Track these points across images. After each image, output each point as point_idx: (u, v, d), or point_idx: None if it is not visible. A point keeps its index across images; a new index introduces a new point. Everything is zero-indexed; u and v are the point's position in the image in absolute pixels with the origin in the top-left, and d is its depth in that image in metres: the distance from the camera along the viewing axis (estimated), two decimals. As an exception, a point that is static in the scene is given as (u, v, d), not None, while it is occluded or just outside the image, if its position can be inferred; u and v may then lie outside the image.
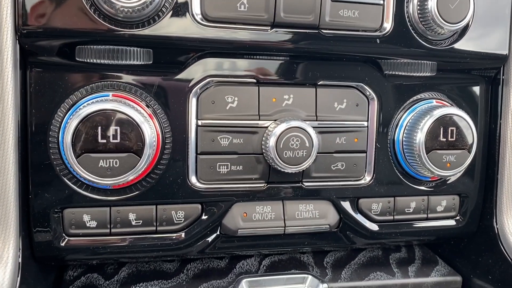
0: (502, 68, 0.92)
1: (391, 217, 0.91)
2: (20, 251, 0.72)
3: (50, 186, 0.75)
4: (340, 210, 0.88)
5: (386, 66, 0.86)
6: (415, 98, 0.89)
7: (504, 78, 0.92)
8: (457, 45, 0.85)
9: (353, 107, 0.86)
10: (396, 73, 0.86)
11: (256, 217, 0.85)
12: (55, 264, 0.87)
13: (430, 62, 0.87)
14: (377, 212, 0.91)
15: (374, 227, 0.91)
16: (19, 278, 0.71)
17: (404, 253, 1.04)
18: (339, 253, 1.01)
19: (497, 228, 0.93)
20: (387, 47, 0.82)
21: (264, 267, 0.94)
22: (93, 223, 0.78)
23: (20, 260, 0.72)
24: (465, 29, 0.85)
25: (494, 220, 0.94)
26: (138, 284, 0.85)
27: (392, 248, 1.05)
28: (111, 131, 0.72)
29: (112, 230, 0.79)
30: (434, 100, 0.89)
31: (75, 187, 0.76)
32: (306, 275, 0.91)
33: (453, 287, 0.98)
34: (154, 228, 0.81)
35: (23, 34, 0.69)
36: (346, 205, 0.89)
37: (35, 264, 0.78)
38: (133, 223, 0.80)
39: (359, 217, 0.90)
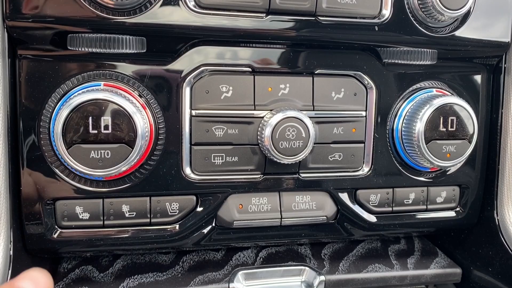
0: (504, 56, 0.90)
1: (390, 209, 0.90)
2: (11, 243, 0.71)
3: (41, 177, 0.74)
4: (337, 201, 0.87)
5: (385, 55, 0.84)
6: (414, 87, 0.87)
7: (506, 66, 0.90)
8: (458, 33, 0.83)
9: (351, 97, 0.84)
10: (395, 61, 0.84)
11: (252, 209, 0.83)
12: (48, 257, 0.86)
13: (430, 50, 0.85)
14: (376, 203, 0.89)
15: (372, 218, 0.89)
16: (10, 271, 0.70)
17: (403, 244, 1.03)
18: (337, 245, 0.99)
19: (497, 219, 0.92)
20: (386, 34, 0.80)
21: (261, 259, 0.93)
22: (86, 215, 0.77)
23: (11, 252, 0.71)
24: (466, 16, 0.83)
25: (495, 211, 0.92)
26: (132, 277, 0.84)
27: (391, 239, 1.04)
28: (102, 122, 0.70)
29: (105, 222, 0.77)
30: (434, 89, 0.87)
31: (67, 179, 0.75)
32: (303, 267, 0.90)
33: (452, 279, 0.97)
34: (148, 220, 0.79)
35: (11, 23, 0.67)
36: (344, 196, 0.87)
37: (27, 256, 0.77)
38: (127, 215, 0.78)
39: (357, 209, 0.88)
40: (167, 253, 0.92)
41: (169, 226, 0.81)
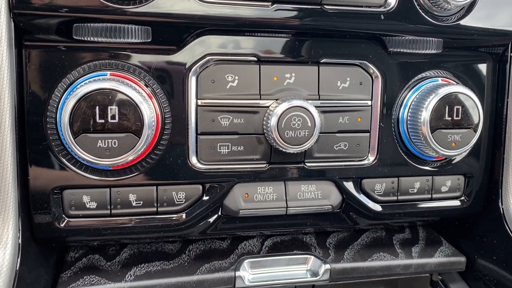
0: (509, 45, 0.89)
1: (395, 198, 0.90)
2: (20, 232, 0.72)
3: (49, 167, 0.74)
4: (342, 190, 0.87)
5: (390, 43, 0.83)
6: (420, 76, 0.87)
7: (511, 55, 0.90)
8: (464, 21, 0.83)
9: (357, 86, 0.84)
10: (401, 50, 0.84)
11: (257, 198, 0.84)
12: (56, 246, 0.87)
13: (436, 39, 0.85)
14: (381, 192, 0.89)
15: (377, 207, 0.89)
16: (19, 259, 0.70)
17: (408, 233, 1.03)
18: (342, 234, 1.00)
19: (502, 208, 0.92)
20: (391, 23, 0.79)
21: (266, 248, 0.93)
22: (93, 204, 0.77)
23: (20, 241, 0.72)
24: (472, 4, 0.83)
25: (500, 200, 0.92)
26: (139, 265, 0.85)
27: (395, 229, 1.04)
28: (109, 111, 0.70)
29: (113, 211, 0.78)
30: (439, 78, 0.87)
31: (74, 168, 0.75)
32: (308, 256, 0.91)
33: (457, 267, 0.97)
34: (155, 209, 0.80)
35: (18, 13, 0.67)
36: (349, 185, 0.87)
37: (35, 245, 0.78)
38: (134, 204, 0.79)
39: (362, 198, 0.88)
40: (174, 242, 0.93)
41: (175, 215, 0.81)
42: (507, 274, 0.90)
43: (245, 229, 0.88)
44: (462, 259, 0.97)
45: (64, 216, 0.77)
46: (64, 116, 0.69)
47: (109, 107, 0.70)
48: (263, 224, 0.87)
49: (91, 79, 0.72)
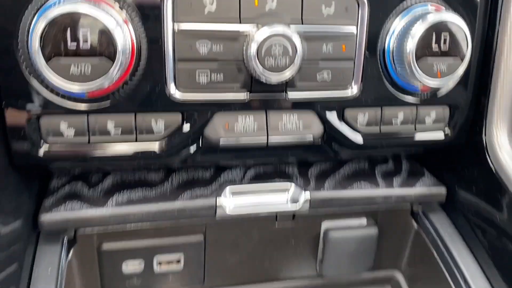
0: (505, -31, 0.85)
1: (378, 128, 0.89)
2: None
3: (23, 94, 0.73)
4: (324, 120, 0.86)
5: (378, -34, 0.79)
6: (408, 2, 0.83)
7: (506, -20, 0.85)
8: None
9: (342, 12, 0.80)
10: (389, -27, 0.80)
11: (238, 128, 0.83)
12: (37, 174, 0.87)
13: (427, -39, 0.80)
14: (363, 123, 0.89)
15: (359, 138, 0.89)
16: None
17: (391, 165, 1.04)
18: (325, 165, 1.01)
19: (485, 140, 0.92)
20: None
21: (249, 177, 0.94)
22: (71, 131, 0.77)
23: None
24: None
25: (483, 132, 0.92)
26: (122, 192, 0.86)
27: (379, 161, 1.05)
28: (81, 35, 0.68)
29: (91, 138, 0.78)
30: (428, 4, 0.83)
31: (50, 94, 0.74)
32: (289, 184, 0.92)
33: (437, 198, 0.99)
34: (134, 137, 0.79)
35: None
36: (331, 115, 0.86)
37: (15, 173, 0.78)
38: (112, 131, 0.78)
39: (344, 128, 0.88)
40: (157, 171, 0.94)
41: (155, 143, 0.81)
42: (485, 204, 0.92)
43: (227, 160, 0.88)
44: (443, 189, 0.98)
45: (42, 143, 0.77)
46: (35, 40, 0.67)
47: (81, 31, 0.67)
48: (244, 155, 0.87)
49: (62, 1, 0.68)
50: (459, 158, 0.99)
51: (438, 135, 0.94)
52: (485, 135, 0.92)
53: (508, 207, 0.85)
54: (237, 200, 0.89)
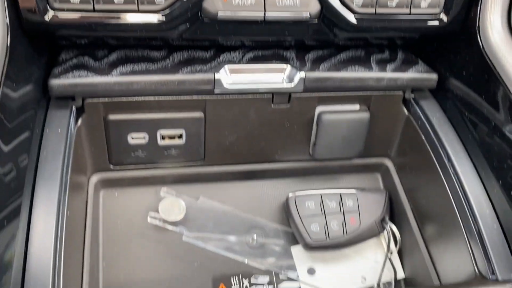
0: None
1: (373, 10, 0.91)
2: (8, 17, 0.75)
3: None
4: (321, -1, 0.89)
5: None
6: None
7: None
8: None
9: None
10: None
11: (236, 2, 0.86)
12: (47, 47, 0.92)
13: None
14: (359, 4, 0.91)
15: (354, 18, 0.91)
16: (8, 37, 0.74)
17: (386, 54, 1.07)
18: (322, 51, 1.04)
19: (479, 25, 0.94)
20: None
21: (247, 59, 0.98)
22: (76, -1, 0.80)
23: (7, 21, 0.75)
24: None
25: (478, 17, 0.93)
26: (125, 65, 0.91)
27: (375, 50, 1.08)
28: None
29: (96, 6, 0.81)
30: None
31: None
32: (286, 64, 0.96)
33: (428, 84, 1.02)
34: (136, 7, 0.83)
35: None
36: (328, -7, 0.89)
37: (26, 42, 0.83)
38: (115, 1, 0.82)
39: (340, 7, 0.90)
40: (159, 50, 0.98)
41: (156, 14, 0.84)
42: (471, 90, 0.95)
43: (224, 35, 0.92)
44: (434, 75, 1.01)
45: (49, 8, 0.81)
46: None
47: None
48: (242, 31, 0.90)
49: None
50: (453, 47, 1.01)
51: (433, 20, 0.95)
52: (479, 20, 0.93)
53: (494, 87, 0.88)
54: (234, 76, 0.94)
